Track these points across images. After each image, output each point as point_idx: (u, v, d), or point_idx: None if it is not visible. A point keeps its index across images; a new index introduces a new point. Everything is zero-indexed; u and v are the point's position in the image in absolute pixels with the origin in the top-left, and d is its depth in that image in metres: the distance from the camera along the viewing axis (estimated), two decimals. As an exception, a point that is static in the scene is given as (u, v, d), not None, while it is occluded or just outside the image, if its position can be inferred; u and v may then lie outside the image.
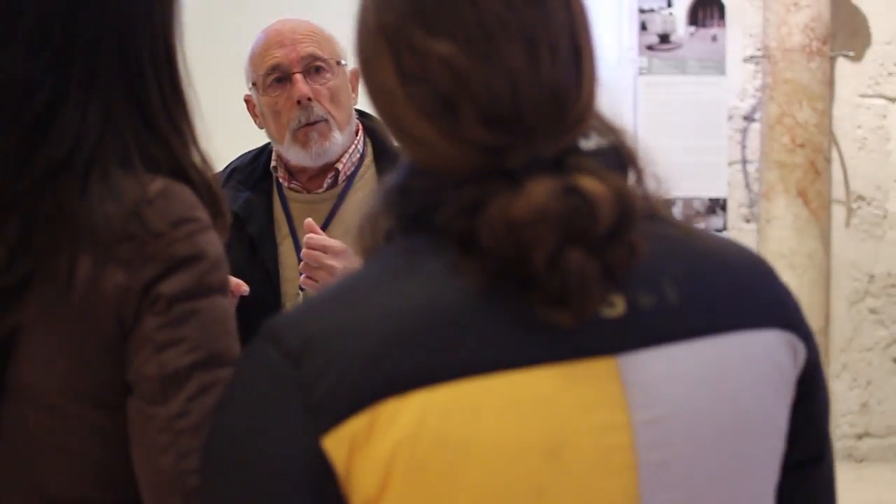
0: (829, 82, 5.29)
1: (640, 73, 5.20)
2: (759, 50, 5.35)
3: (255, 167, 2.56)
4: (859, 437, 5.56)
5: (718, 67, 5.24)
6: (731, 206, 5.35)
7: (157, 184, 1.27)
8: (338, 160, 2.52)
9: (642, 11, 5.21)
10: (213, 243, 1.29)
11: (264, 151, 2.58)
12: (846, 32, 5.52)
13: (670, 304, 1.07)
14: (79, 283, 1.22)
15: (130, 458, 1.27)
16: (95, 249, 1.23)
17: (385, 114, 1.12)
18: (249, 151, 2.62)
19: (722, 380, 1.09)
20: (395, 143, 2.64)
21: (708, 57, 5.23)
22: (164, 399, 1.24)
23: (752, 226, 5.35)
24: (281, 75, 2.45)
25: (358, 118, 2.60)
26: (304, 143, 2.46)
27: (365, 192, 2.52)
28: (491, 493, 1.00)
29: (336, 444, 1.00)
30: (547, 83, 1.05)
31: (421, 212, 1.07)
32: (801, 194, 5.14)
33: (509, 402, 1.01)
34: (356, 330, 1.03)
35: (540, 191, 1.00)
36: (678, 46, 5.21)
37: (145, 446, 1.25)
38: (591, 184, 1.01)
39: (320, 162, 2.49)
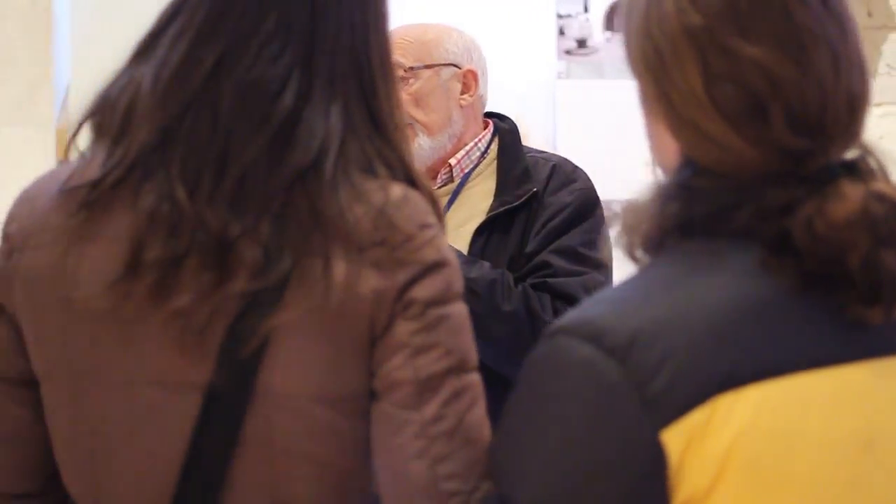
0: (738, 87, 5.47)
1: (559, 78, 5.29)
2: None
3: None
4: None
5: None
6: (648, 206, 5.49)
7: (397, 188, 1.28)
8: (449, 157, 2.58)
9: (560, 17, 5.31)
10: (449, 247, 1.31)
11: None
12: (750, 38, 5.70)
13: None
14: (335, 286, 1.22)
15: (365, 464, 1.27)
16: (349, 252, 1.23)
17: (678, 114, 1.14)
18: None
19: None
20: (524, 146, 2.63)
21: (623, 61, 5.33)
22: (418, 404, 1.24)
23: (668, 226, 5.48)
24: None
25: (492, 119, 2.70)
26: None
27: (478, 189, 2.57)
28: (814, 484, 1.04)
29: (674, 437, 1.02)
30: (846, 93, 1.10)
31: (714, 212, 1.11)
32: (714, 195, 5.30)
33: (831, 397, 1.05)
34: (682, 324, 1.05)
35: (856, 195, 1.05)
36: (595, 51, 5.32)
37: (396, 452, 1.24)
38: (890, 189, 1.07)
39: None
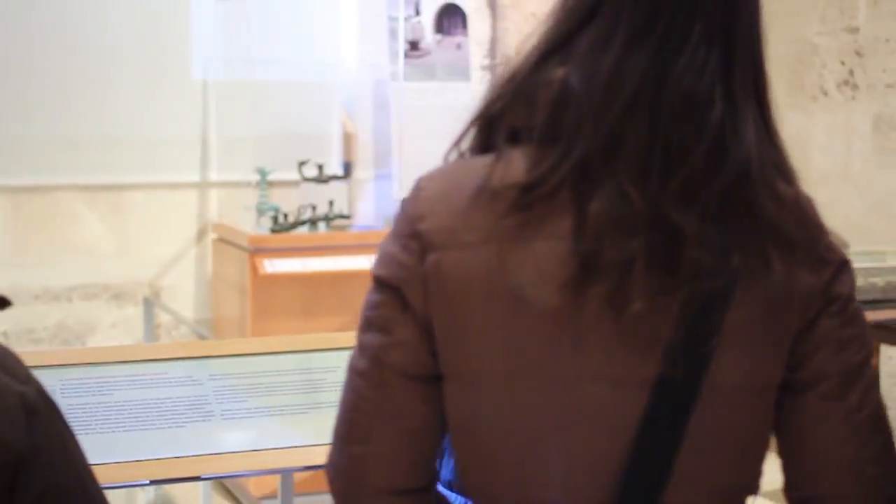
0: (557, 88, 5.67)
1: (393, 80, 5.34)
2: (493, 57, 5.65)
3: None
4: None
5: (463, 74, 5.47)
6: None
7: (800, 190, 1.34)
8: None
9: (392, 19, 5.35)
10: None
11: None
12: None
13: None
14: (778, 284, 1.28)
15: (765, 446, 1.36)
16: (782, 251, 1.28)
17: None
18: None
19: None
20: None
21: (454, 63, 5.45)
22: (842, 394, 1.33)
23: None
24: None
25: None
26: None
27: None
28: None
29: None
30: None
31: None
32: (542, 193, 5.48)
33: None
34: None
35: None
36: (427, 53, 5.39)
37: (824, 439, 1.33)
38: None
39: None
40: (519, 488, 1.33)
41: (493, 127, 1.34)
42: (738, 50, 1.30)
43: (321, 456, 2.48)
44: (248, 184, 5.12)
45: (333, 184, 5.19)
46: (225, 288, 5.13)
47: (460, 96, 5.46)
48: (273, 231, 4.92)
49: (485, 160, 1.32)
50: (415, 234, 1.33)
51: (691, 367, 1.27)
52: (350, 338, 2.81)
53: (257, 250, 4.77)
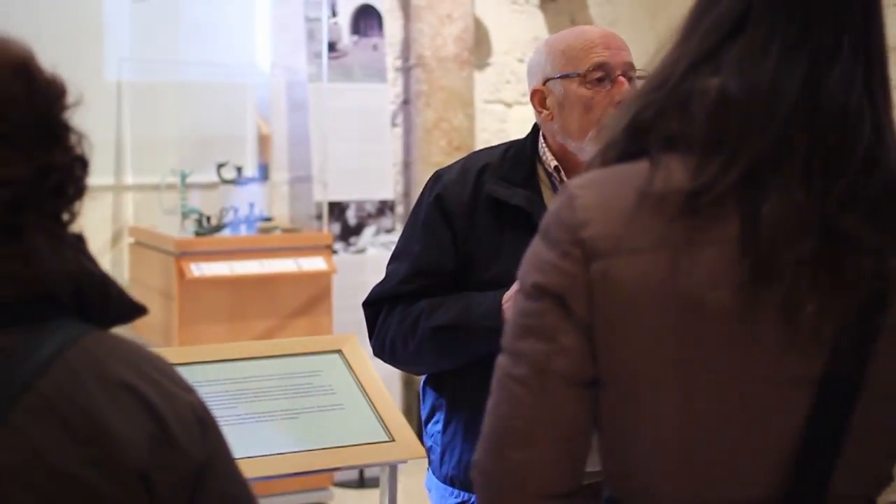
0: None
1: (311, 81, 5.31)
2: (406, 59, 5.66)
3: (516, 164, 2.49)
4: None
5: (380, 75, 5.48)
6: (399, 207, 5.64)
7: None
8: None
9: (309, 20, 5.32)
10: None
11: (511, 148, 2.53)
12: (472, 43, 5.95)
13: None
14: None
15: None
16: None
17: None
18: (491, 148, 2.57)
19: None
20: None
21: (370, 65, 5.44)
22: None
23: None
24: (603, 75, 2.44)
25: None
26: None
27: None
28: None
29: None
30: None
31: None
32: (459, 194, 5.51)
33: None
34: None
35: None
36: (344, 55, 5.38)
37: None
38: None
39: None
40: (686, 487, 1.37)
41: (642, 135, 1.36)
42: (875, 63, 1.36)
43: (313, 461, 2.49)
44: (167, 186, 5.05)
45: (251, 186, 5.15)
46: (145, 293, 5.04)
47: (377, 97, 5.47)
48: (198, 234, 4.86)
49: (638, 167, 1.35)
50: (577, 241, 1.35)
51: (855, 365, 1.33)
52: (328, 342, 2.83)
53: (183, 254, 4.71)
